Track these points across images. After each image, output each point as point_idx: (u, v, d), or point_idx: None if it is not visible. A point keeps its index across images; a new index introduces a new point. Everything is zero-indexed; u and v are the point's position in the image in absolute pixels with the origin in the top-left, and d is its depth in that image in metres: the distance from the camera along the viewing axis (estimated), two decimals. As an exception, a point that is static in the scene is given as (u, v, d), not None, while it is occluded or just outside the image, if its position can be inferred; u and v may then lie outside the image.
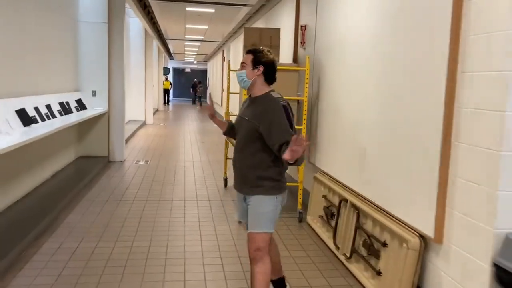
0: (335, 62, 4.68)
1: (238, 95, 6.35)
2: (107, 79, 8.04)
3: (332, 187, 4.42)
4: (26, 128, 4.74)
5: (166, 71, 24.82)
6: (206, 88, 31.24)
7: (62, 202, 5.12)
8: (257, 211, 2.63)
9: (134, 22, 13.94)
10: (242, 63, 2.69)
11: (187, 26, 13.32)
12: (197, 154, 9.71)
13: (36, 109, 5.28)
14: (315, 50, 5.34)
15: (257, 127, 2.56)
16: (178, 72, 37.98)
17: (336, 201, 4.30)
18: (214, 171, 7.80)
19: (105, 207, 5.37)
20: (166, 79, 26.53)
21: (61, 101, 6.38)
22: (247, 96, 2.83)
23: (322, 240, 4.47)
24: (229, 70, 6.48)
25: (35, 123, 5.03)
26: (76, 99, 7.28)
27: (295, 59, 6.20)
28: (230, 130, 2.92)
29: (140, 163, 8.32)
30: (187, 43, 19.05)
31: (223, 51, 19.06)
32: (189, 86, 32.63)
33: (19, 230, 4.04)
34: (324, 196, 4.58)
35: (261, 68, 2.62)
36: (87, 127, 7.97)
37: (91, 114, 7.02)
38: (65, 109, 6.39)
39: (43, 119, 5.32)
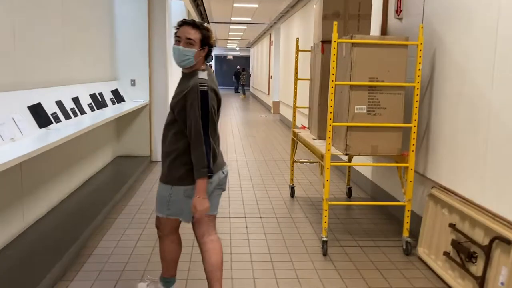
0: (468, 34, 3.25)
1: (309, 81, 5.02)
2: (147, 66, 6.88)
3: (467, 213, 3.03)
4: (43, 130, 3.59)
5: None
6: (250, 75, 29.98)
7: (94, 222, 3.98)
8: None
9: (176, 4, 12.79)
10: (187, 39, 2.39)
11: (235, 5, 12.02)
12: (249, 151, 8.45)
13: (59, 103, 4.13)
14: (424, 18, 3.91)
15: (172, 109, 2.46)
16: (220, 59, 36.92)
17: (479, 236, 2.91)
18: (273, 174, 6.52)
19: (145, 229, 4.19)
20: (210, 66, 25.45)
21: (92, 92, 5.24)
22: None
23: (449, 286, 3.11)
24: (297, 50, 5.14)
25: (56, 122, 3.88)
26: (112, 89, 6.15)
27: (384, 32, 4.79)
28: None
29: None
30: (232, 26, 17.78)
31: (270, 34, 17.67)
32: (232, 74, 31.52)
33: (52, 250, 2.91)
34: (453, 226, 3.20)
35: (206, 49, 2.46)
36: (125, 122, 6.86)
37: (129, 107, 5.87)
38: (98, 102, 5.25)
39: (67, 117, 4.17)
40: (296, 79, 5.22)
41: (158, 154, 7.20)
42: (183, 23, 2.43)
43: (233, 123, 12.95)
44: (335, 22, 3.54)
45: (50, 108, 3.90)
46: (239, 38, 23.82)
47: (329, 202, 3.71)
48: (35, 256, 3.20)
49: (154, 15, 6.94)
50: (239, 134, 10.67)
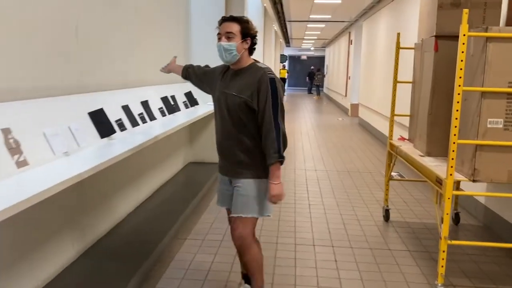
0: None
1: (411, 84, 4.20)
2: (223, 66, 6.35)
3: None
4: (104, 141, 3.11)
5: (283, 58, 23.17)
6: (324, 76, 29.02)
7: (160, 246, 3.47)
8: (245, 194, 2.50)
9: (253, 1, 12.30)
10: (227, 33, 2.38)
11: (316, 1, 11.28)
12: (328, 159, 7.69)
13: (126, 109, 3.66)
14: None
15: (246, 102, 2.39)
16: (293, 59, 36.22)
17: None
18: (359, 189, 5.73)
19: (217, 254, 3.61)
20: (283, 67, 24.87)
21: (164, 95, 4.77)
22: (224, 67, 2.62)
23: None
24: (398, 47, 4.33)
25: (122, 130, 3.40)
26: (186, 92, 5.68)
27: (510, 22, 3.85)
28: (187, 73, 2.92)
29: (262, 172, 6.54)
30: (309, 25, 17.03)
31: (349, 33, 16.70)
32: (305, 75, 30.73)
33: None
34: None
35: (249, 41, 2.43)
36: (198, 126, 6.39)
37: (203, 112, 5.35)
38: (170, 106, 4.77)
39: (134, 124, 3.69)
40: (396, 82, 4.40)
41: (231, 162, 6.65)
42: (222, 21, 2.44)
43: (308, 126, 12.22)
44: (465, 10, 2.73)
45: (115, 114, 3.43)
46: (316, 38, 22.99)
47: (449, 242, 2.90)
48: (92, 284, 2.71)
49: (231, 13, 6.41)
50: (316, 139, 9.92)
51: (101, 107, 3.19)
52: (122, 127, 3.43)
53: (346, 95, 16.87)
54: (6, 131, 2.18)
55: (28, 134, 2.34)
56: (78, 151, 2.72)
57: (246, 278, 2.77)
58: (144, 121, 3.92)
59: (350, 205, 5.04)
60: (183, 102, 5.40)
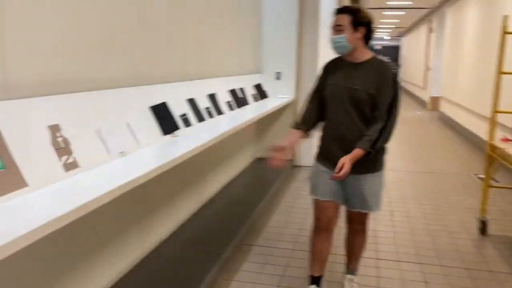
0: None
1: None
2: (295, 57, 5.93)
3: None
4: (167, 138, 2.81)
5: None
6: (399, 67, 27.61)
7: (224, 255, 3.15)
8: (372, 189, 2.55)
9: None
10: (336, 25, 2.37)
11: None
12: (408, 157, 7.02)
13: (191, 102, 3.36)
14: None
15: (371, 96, 2.39)
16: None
17: None
18: (446, 195, 5.08)
19: (288, 267, 3.23)
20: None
21: (232, 87, 4.43)
22: (337, 59, 2.55)
23: None
24: (505, 32, 3.68)
25: (187, 126, 3.09)
26: (255, 84, 5.33)
27: None
28: (307, 128, 2.70)
29: (335, 171, 6.06)
30: (385, 12, 16.07)
31: (430, 21, 15.54)
32: (379, 65, 29.35)
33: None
34: None
35: (362, 30, 2.36)
36: (267, 120, 6.02)
37: (273, 105, 4.97)
38: (238, 99, 4.43)
39: (201, 119, 3.37)
40: (500, 73, 3.75)
41: (302, 158, 6.23)
42: (335, 13, 2.42)
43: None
44: None
45: (179, 108, 3.13)
46: (393, 26, 21.80)
47: None
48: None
49: (305, 1, 5.95)
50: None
51: (164, 101, 2.89)
52: (187, 122, 3.12)
53: (424, 87, 15.77)
54: (54, 129, 1.91)
55: (80, 132, 2.07)
56: (137, 150, 2.44)
57: (317, 280, 2.73)
58: (211, 115, 3.60)
59: (437, 214, 4.45)
60: (252, 95, 5.05)
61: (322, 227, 2.61)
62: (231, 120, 3.69)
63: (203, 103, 3.59)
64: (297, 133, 2.66)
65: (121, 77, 2.62)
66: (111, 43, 2.52)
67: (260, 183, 5.03)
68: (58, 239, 2.04)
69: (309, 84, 5.82)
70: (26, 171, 1.68)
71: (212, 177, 4.30)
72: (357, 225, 2.75)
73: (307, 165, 6.21)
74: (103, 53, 2.45)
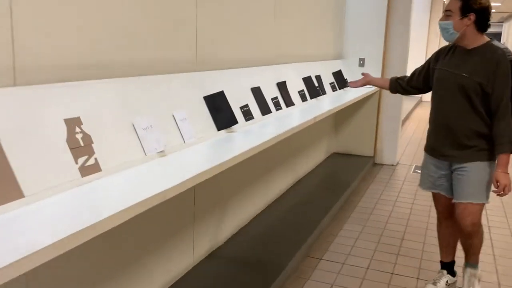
0: None
1: None
2: (382, 42, 5.26)
3: None
4: (222, 134, 2.39)
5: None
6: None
7: (286, 270, 2.70)
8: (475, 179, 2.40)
9: (421, -32, 10.66)
10: (446, 10, 2.32)
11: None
12: None
13: (256, 92, 2.91)
14: None
15: (479, 86, 2.28)
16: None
17: None
18: None
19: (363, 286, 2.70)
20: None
21: (307, 75, 3.92)
22: (451, 45, 2.44)
23: None
24: None
25: (247, 119, 2.65)
26: (334, 71, 4.76)
27: None
28: (397, 86, 2.75)
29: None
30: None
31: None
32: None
33: None
34: None
35: (472, 16, 2.25)
36: (347, 112, 5.44)
37: (354, 96, 4.38)
38: (313, 88, 3.91)
39: (265, 111, 2.92)
40: None
41: (384, 155, 5.58)
42: None
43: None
44: None
45: (240, 99, 2.69)
46: (493, 11, 19.71)
47: None
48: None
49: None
50: None
51: (221, 90, 2.47)
52: (248, 115, 2.68)
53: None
54: (73, 122, 1.56)
55: (108, 127, 1.71)
56: (181, 149, 2.04)
57: (447, 266, 2.73)
58: (278, 107, 3.13)
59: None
60: (330, 83, 4.50)
61: (441, 216, 2.68)
62: (302, 113, 3.19)
63: (270, 93, 3.12)
64: (384, 78, 2.77)
65: (167, 61, 2.23)
66: (162, 22, 2.13)
67: (333, 183, 4.49)
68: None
69: (397, 73, 5.18)
70: (23, 177, 1.33)
71: (278, 175, 3.84)
72: (463, 217, 2.46)
73: (389, 163, 5.56)
74: (149, 33, 2.07)
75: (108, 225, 1.26)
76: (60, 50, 1.63)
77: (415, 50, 11.46)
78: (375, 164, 5.58)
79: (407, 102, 10.48)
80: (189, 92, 2.27)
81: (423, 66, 2.62)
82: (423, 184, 2.62)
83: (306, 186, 4.24)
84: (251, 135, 2.42)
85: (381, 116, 5.49)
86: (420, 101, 12.02)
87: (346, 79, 4.96)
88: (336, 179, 4.70)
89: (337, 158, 5.44)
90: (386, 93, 5.41)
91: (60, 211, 1.31)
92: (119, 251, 2.00)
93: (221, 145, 2.17)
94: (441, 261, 2.77)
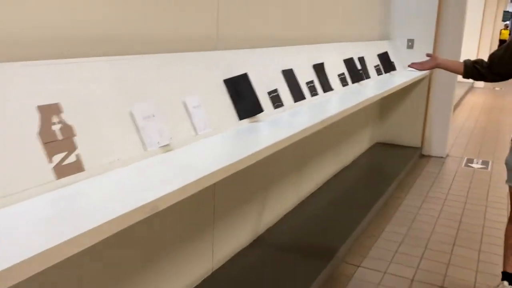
0: None
1: None
2: (434, 21, 4.73)
3: None
4: (244, 124, 2.04)
5: (506, 16, 19.14)
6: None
7: (333, 259, 2.36)
8: None
9: None
10: None
11: None
12: None
13: (287, 74, 2.54)
14: None
15: None
16: (517, 18, 30.21)
17: None
18: None
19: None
20: (506, 27, 20.68)
21: (349, 56, 3.50)
22: None
23: None
24: None
25: (276, 107, 2.30)
26: (380, 52, 4.30)
27: None
28: (474, 71, 2.39)
29: (475, 165, 4.83)
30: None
31: None
32: (533, 36, 25.29)
33: None
34: None
35: None
36: (393, 98, 4.96)
37: (401, 81, 3.92)
38: (355, 72, 3.49)
39: (298, 97, 2.55)
40: None
41: (433, 146, 5.08)
42: None
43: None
44: None
45: (268, 83, 2.33)
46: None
47: None
48: None
49: None
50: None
51: (244, 72, 2.12)
52: (277, 101, 2.33)
53: None
54: (50, 110, 1.25)
55: (99, 115, 1.40)
56: (193, 142, 1.71)
57: (510, 277, 2.35)
58: (313, 93, 2.75)
59: None
60: (375, 66, 4.05)
61: None
62: (341, 100, 2.80)
63: (305, 76, 2.74)
64: (456, 62, 2.55)
65: (181, 37, 1.90)
66: (169, -11, 1.79)
67: (375, 177, 4.08)
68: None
69: (450, 56, 4.66)
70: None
71: (314, 167, 3.47)
72: None
73: (438, 155, 5.06)
74: (163, 6, 1.75)
75: (71, 249, 0.95)
76: (39, 20, 1.33)
77: (468, 34, 10.65)
78: (422, 156, 5.09)
79: (458, 88, 9.76)
80: (206, 74, 1.93)
81: (505, 49, 2.24)
82: (510, 180, 2.25)
83: (345, 180, 3.85)
84: (278, 126, 2.06)
85: (431, 103, 4.98)
86: (471, 87, 11.22)
87: (393, 62, 4.49)
88: (378, 172, 4.28)
89: (381, 148, 4.99)
90: (437, 78, 4.89)
91: (21, 225, 1.02)
92: (136, 251, 1.73)
93: (241, 137, 1.83)
94: (503, 272, 2.37)
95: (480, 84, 11.88)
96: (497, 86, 11.87)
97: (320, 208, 3.23)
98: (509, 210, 2.36)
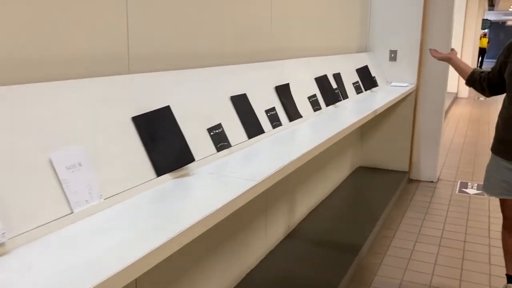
0: None
1: None
2: (419, 30, 4.19)
3: None
4: (168, 182, 1.41)
5: (485, 24, 19.02)
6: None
7: None
8: None
9: None
10: None
11: None
12: None
13: (238, 102, 1.93)
14: None
15: None
16: (496, 26, 30.35)
17: None
18: None
19: None
20: (484, 35, 20.57)
21: (321, 74, 2.91)
22: None
23: None
24: None
25: (222, 147, 1.67)
26: (359, 67, 3.73)
27: None
28: (475, 79, 2.39)
29: (470, 190, 4.27)
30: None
31: None
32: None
33: None
34: None
35: None
36: (375, 117, 4.40)
37: (385, 101, 3.34)
38: (329, 92, 2.90)
39: (253, 131, 1.93)
40: None
41: (423, 169, 4.52)
42: None
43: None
44: None
45: (209, 115, 1.71)
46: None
47: None
48: None
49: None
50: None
51: (166, 105, 1.49)
52: (220, 141, 1.70)
53: None
54: None
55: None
56: (66, 225, 1.08)
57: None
58: (275, 123, 2.14)
59: None
60: (354, 83, 3.48)
61: (509, 225, 2.37)
62: (312, 131, 2.20)
63: (265, 102, 2.13)
64: (467, 65, 2.50)
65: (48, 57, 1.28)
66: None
67: (359, 212, 3.48)
68: None
69: (438, 68, 4.11)
70: None
71: (282, 208, 2.86)
72: None
73: (429, 179, 4.50)
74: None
75: None
76: None
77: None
78: (410, 181, 4.52)
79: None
80: (99, 110, 1.31)
81: (498, 63, 2.25)
82: (494, 190, 2.29)
83: (321, 220, 3.24)
84: (218, 181, 1.44)
85: (418, 121, 4.43)
86: (456, 98, 10.80)
87: (374, 77, 3.93)
88: (362, 205, 3.68)
89: (364, 174, 4.41)
90: (425, 93, 4.34)
91: None
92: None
93: (156, 206, 1.20)
94: (507, 274, 2.42)
95: (464, 93, 11.50)
96: (482, 96, 11.48)
97: (287, 265, 2.60)
98: (502, 215, 2.34)
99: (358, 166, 4.61)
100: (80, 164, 1.14)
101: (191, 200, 1.27)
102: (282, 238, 2.86)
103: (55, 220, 1.04)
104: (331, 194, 3.73)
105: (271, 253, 2.68)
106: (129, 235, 1.01)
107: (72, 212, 1.08)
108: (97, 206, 1.14)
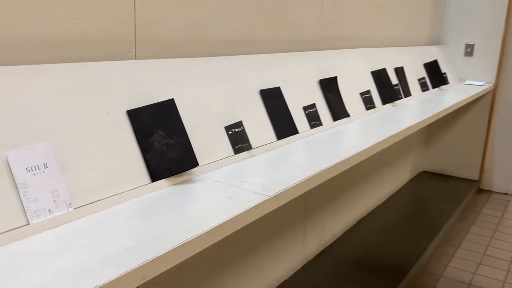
0: None
1: None
2: (503, 21, 3.68)
3: None
4: (165, 189, 1.19)
5: None
6: None
7: None
8: None
9: None
10: None
11: None
12: None
13: (270, 97, 1.67)
14: None
15: None
16: None
17: None
18: None
19: None
20: None
21: (379, 67, 2.58)
22: None
23: None
24: None
25: (240, 149, 1.44)
26: (427, 61, 3.32)
27: None
28: None
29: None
30: None
31: None
32: None
33: None
34: None
35: None
36: (444, 117, 3.95)
37: (453, 101, 2.92)
38: (387, 89, 2.56)
39: (284, 131, 1.67)
40: None
41: (496, 179, 4.01)
42: None
43: None
44: None
45: (228, 112, 1.48)
46: None
47: None
48: None
49: None
50: None
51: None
52: (240, 141, 1.47)
53: None
54: None
55: None
56: (20, 238, 0.90)
57: None
58: (314, 122, 1.87)
59: None
60: (419, 79, 3.09)
61: None
62: (360, 133, 1.90)
63: (303, 98, 1.86)
64: None
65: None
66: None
67: (416, 224, 3.10)
68: None
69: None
70: None
71: (351, 204, 2.58)
72: None
73: (502, 191, 4.00)
74: None
75: None
76: None
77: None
78: (480, 191, 4.03)
79: None
80: (82, 101, 1.11)
81: None
82: None
83: (371, 230, 2.91)
84: (230, 191, 1.21)
85: (494, 124, 3.92)
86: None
87: (444, 73, 3.50)
88: (420, 216, 3.30)
89: (427, 180, 3.99)
90: (504, 94, 3.82)
91: None
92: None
93: (150, 219, 1.00)
94: None
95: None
96: None
97: (322, 281, 2.33)
98: None
99: (421, 170, 4.19)
100: (45, 166, 0.96)
101: (180, 216, 1.05)
102: (323, 248, 2.58)
103: (2, 233, 0.86)
104: (386, 201, 3.38)
105: (308, 264, 2.42)
106: (76, 262, 0.81)
107: (27, 224, 0.90)
108: (62, 217, 0.95)
